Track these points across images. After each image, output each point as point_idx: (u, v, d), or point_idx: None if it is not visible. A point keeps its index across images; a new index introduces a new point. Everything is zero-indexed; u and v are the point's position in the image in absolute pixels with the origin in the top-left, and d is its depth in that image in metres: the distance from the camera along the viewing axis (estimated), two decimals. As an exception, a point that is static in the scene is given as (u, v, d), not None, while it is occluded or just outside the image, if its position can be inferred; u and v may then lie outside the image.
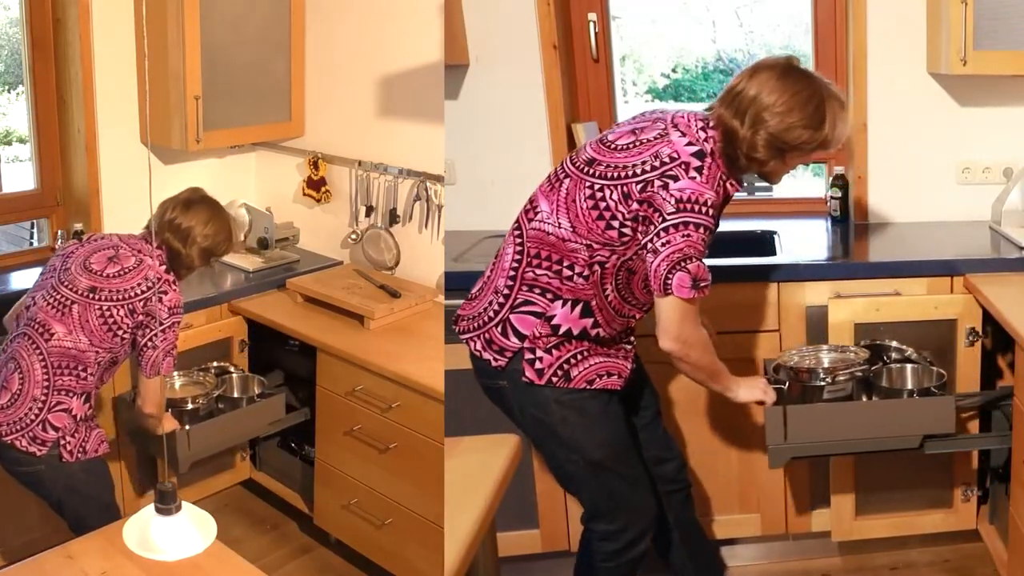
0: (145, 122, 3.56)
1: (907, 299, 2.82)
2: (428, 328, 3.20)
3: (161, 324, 2.57)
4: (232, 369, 3.29)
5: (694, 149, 2.13)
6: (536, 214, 2.27)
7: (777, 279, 2.84)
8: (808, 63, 3.49)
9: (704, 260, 2.12)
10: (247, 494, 3.66)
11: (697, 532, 2.68)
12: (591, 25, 3.43)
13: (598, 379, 2.26)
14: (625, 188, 2.15)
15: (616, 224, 2.16)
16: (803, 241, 3.24)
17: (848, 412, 2.52)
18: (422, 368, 2.86)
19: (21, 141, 3.96)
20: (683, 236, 2.08)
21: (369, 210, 3.65)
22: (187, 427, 2.93)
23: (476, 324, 2.30)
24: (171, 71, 3.36)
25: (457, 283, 2.85)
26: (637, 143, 2.19)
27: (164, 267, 2.64)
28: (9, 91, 4.08)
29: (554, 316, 2.20)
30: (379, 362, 2.94)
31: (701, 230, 2.09)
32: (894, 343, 2.74)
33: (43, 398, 2.49)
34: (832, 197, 3.39)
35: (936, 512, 2.94)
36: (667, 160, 2.13)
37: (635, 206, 2.13)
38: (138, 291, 2.56)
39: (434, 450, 2.81)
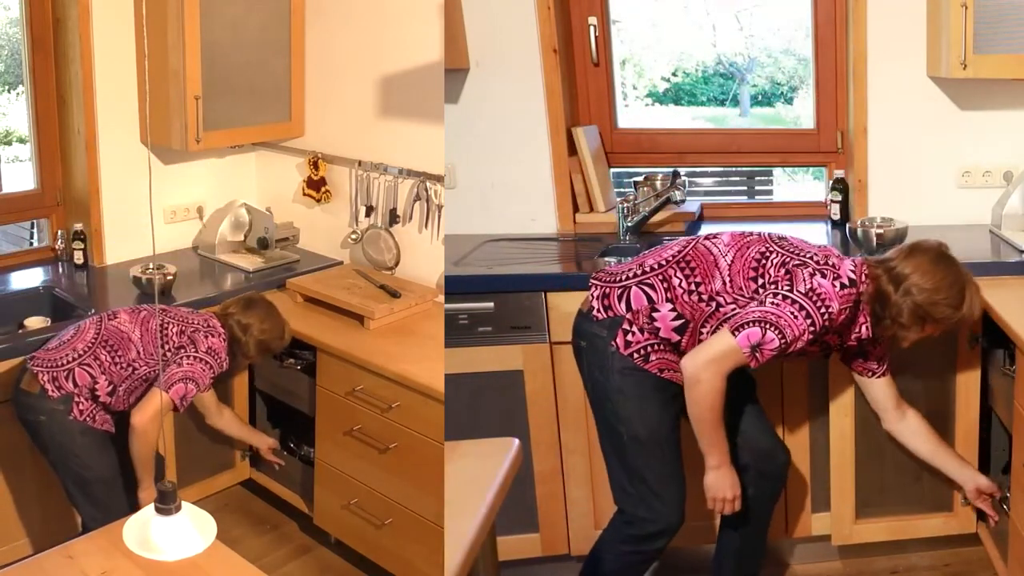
0: (145, 122, 3.56)
1: (907, 302, 2.82)
2: (428, 328, 3.20)
3: (196, 350, 2.77)
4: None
5: (851, 276, 2.32)
6: (716, 237, 2.45)
7: (777, 282, 2.84)
8: (808, 67, 3.51)
9: (784, 347, 2.24)
10: (247, 494, 3.66)
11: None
12: (591, 29, 3.43)
13: (668, 371, 2.40)
14: (788, 261, 2.34)
15: (761, 281, 2.34)
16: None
17: None
18: (422, 368, 2.86)
19: (21, 141, 3.96)
20: (791, 313, 2.25)
21: (369, 210, 3.65)
22: None
23: (609, 278, 2.46)
24: (171, 71, 3.36)
25: (458, 287, 2.85)
26: (822, 246, 2.41)
27: (223, 339, 2.85)
28: (9, 91, 4.08)
29: (658, 312, 2.37)
30: (379, 362, 2.94)
31: (808, 322, 2.25)
32: None
33: (82, 351, 2.71)
34: (832, 201, 3.40)
35: (936, 516, 2.94)
36: (828, 264, 2.33)
37: (781, 272, 2.33)
38: (195, 324, 2.83)
39: (434, 450, 2.82)
